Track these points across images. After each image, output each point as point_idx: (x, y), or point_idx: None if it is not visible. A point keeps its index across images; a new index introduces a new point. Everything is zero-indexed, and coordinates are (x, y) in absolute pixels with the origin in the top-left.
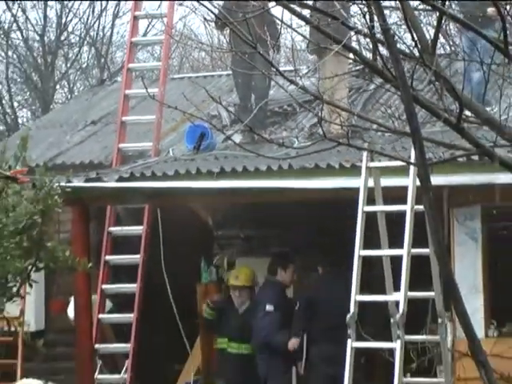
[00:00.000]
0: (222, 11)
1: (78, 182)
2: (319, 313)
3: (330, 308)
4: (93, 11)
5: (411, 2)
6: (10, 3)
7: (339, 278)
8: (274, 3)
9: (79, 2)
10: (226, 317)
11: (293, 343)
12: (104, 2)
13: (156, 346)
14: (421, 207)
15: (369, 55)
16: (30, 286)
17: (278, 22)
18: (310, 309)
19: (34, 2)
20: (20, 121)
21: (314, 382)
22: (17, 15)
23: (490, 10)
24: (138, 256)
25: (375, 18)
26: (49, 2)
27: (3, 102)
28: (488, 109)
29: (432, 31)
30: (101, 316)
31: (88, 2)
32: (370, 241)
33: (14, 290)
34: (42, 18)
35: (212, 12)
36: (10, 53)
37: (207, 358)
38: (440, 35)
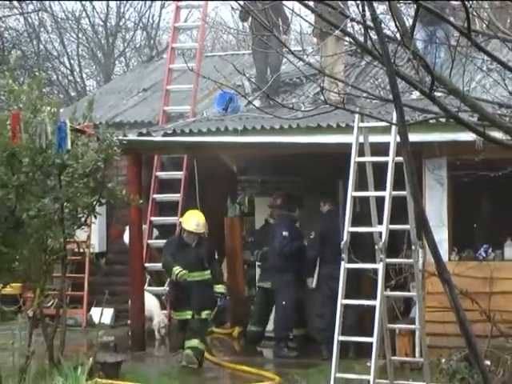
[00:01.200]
0: (246, 2)
1: (132, 137)
2: (328, 240)
3: (336, 236)
4: (145, 3)
5: None
6: None
7: (340, 213)
8: None
9: None
10: (181, 252)
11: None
12: None
13: None
14: (400, 159)
15: (361, 38)
16: (95, 216)
17: (289, 11)
18: (322, 237)
19: None
20: (87, 88)
21: (322, 294)
22: (85, 5)
23: None
24: (178, 195)
25: (366, 8)
26: None
27: (74, 73)
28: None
29: (411, 20)
30: (149, 241)
31: None
32: (360, 184)
33: (83, 220)
34: (105, 7)
35: (238, 3)
36: (80, 35)
37: (232, 278)
38: (417, 23)
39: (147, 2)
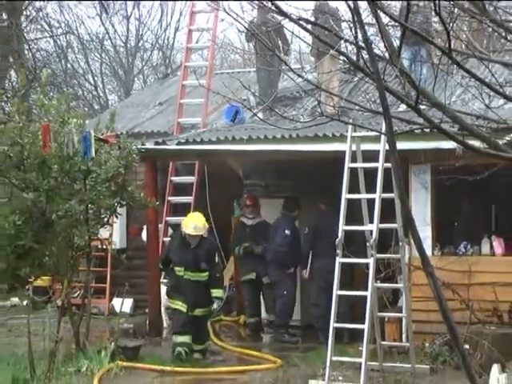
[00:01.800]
0: (251, 26)
1: (149, 145)
2: (321, 236)
3: (329, 233)
4: (161, 26)
5: (383, 20)
6: (104, 20)
7: (334, 213)
8: (287, 20)
9: (152, 19)
10: (180, 251)
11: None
12: (168, 19)
13: None
14: (388, 165)
15: (354, 57)
16: (116, 217)
17: (289, 33)
18: (314, 233)
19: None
20: (109, 102)
21: (316, 285)
22: (108, 28)
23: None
24: (190, 197)
25: (359, 31)
26: (130, 19)
27: (98, 89)
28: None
29: (398, 41)
30: (164, 239)
31: (157, 20)
32: (353, 187)
33: (105, 219)
34: (126, 30)
35: (244, 26)
36: (103, 55)
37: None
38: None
39: (163, 26)
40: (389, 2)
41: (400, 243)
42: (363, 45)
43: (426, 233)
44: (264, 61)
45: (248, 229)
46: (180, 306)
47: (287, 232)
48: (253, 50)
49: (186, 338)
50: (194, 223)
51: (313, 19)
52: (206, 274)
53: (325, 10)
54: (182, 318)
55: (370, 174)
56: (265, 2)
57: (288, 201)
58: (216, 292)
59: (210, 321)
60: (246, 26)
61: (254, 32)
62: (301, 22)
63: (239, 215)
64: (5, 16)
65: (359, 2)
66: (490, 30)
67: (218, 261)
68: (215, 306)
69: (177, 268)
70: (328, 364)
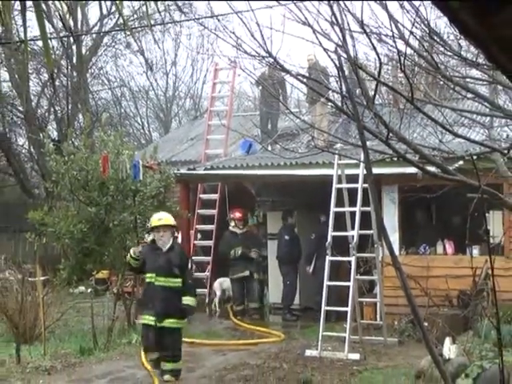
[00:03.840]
0: (260, 79)
1: (183, 171)
2: (323, 241)
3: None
4: (192, 80)
5: (362, 74)
6: (149, 75)
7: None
8: (288, 75)
9: (185, 75)
10: (152, 256)
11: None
12: (198, 75)
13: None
14: (366, 185)
15: (339, 103)
16: None
17: (290, 85)
18: (319, 239)
19: (163, 74)
20: (153, 138)
21: (317, 277)
22: (152, 82)
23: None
24: (214, 210)
25: (343, 83)
26: (169, 75)
27: (144, 128)
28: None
29: (373, 91)
30: (195, 242)
31: (189, 75)
32: (339, 203)
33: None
34: (165, 83)
35: (256, 80)
36: (148, 102)
37: None
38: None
39: (193, 80)
40: (366, 62)
41: (375, 245)
42: (346, 94)
43: (394, 237)
44: (269, 105)
45: (239, 236)
46: (147, 319)
47: (287, 237)
48: (259, 97)
49: (155, 355)
50: (158, 216)
51: (307, 75)
52: (179, 280)
53: (316, 68)
54: (150, 334)
55: (352, 192)
56: (271, 62)
57: (285, 212)
58: (187, 300)
59: (230, 305)
60: (257, 79)
61: (263, 84)
62: (299, 76)
63: (252, 224)
64: (75, 74)
65: (343, 61)
66: (442, 83)
67: (190, 267)
68: (186, 320)
69: (148, 274)
70: (320, 338)
